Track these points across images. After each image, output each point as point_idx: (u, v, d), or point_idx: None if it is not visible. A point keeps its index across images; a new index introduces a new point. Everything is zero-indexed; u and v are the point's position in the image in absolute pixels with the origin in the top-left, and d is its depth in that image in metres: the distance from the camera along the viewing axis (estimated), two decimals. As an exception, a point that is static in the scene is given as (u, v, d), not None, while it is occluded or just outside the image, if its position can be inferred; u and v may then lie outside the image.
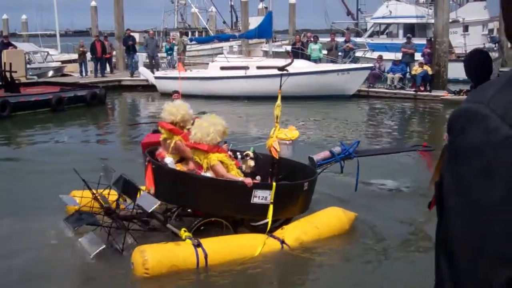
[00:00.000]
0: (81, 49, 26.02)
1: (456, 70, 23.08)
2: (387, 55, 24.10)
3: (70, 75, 26.94)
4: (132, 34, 26.96)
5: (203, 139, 7.13)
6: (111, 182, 7.61)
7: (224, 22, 46.21)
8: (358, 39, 28.01)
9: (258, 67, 21.83)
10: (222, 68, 22.42)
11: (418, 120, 19.27)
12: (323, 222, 7.71)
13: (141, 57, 26.24)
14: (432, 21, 24.86)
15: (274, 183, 7.32)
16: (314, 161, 8.32)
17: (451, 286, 1.08)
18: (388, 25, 30.82)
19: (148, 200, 6.87)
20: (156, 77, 23.17)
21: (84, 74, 25.79)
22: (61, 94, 19.55)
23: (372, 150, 10.61)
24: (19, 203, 8.96)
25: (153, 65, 25.37)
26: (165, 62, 26.81)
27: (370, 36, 30.38)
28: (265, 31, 23.52)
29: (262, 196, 7.12)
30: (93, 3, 34.35)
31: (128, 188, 7.26)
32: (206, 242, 6.80)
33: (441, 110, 19.95)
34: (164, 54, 27.79)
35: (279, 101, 8.35)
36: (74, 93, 20.09)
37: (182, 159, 7.79)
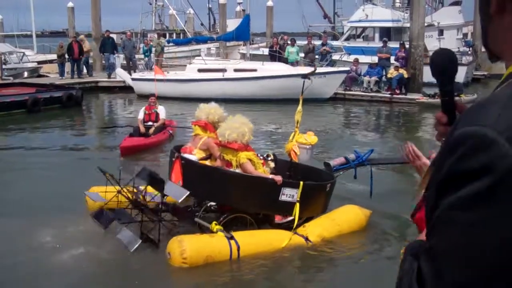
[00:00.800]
0: (61, 49, 25.79)
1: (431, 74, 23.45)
2: (363, 59, 24.38)
3: (46, 76, 26.72)
4: (110, 35, 26.81)
5: (239, 139, 7.38)
6: (134, 175, 7.78)
7: (202, 24, 46.18)
8: (334, 43, 28.24)
9: (236, 70, 21.91)
10: (200, 70, 22.43)
11: (394, 123, 19.51)
12: (343, 219, 8.05)
13: (119, 58, 26.13)
14: (408, 25, 25.21)
15: (301, 182, 7.52)
16: (330, 166, 8.58)
17: None
18: (365, 28, 31.15)
19: (177, 191, 7.12)
20: (133, 79, 23.08)
21: (64, 75, 25.57)
22: (37, 95, 19.37)
23: (383, 159, 11.02)
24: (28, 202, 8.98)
25: (130, 67, 25.28)
26: (142, 64, 26.74)
27: (347, 39, 30.67)
28: (242, 34, 23.61)
29: (290, 194, 7.39)
30: (70, 4, 34.06)
31: (153, 180, 7.37)
32: (237, 235, 7.05)
33: (416, 113, 20.23)
34: (142, 56, 27.71)
35: (300, 107, 8.66)
36: (50, 94, 19.93)
37: (206, 158, 8.11)
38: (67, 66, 25.77)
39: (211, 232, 6.98)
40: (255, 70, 21.75)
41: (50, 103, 19.49)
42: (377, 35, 29.52)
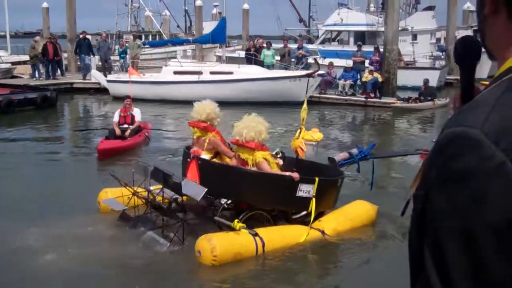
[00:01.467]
0: (33, 50, 25.50)
1: (405, 78, 23.79)
2: (338, 62, 24.58)
3: (20, 77, 26.44)
4: (87, 36, 26.64)
5: (256, 137, 7.54)
6: (148, 176, 7.97)
7: (178, 26, 46.23)
8: (310, 46, 28.43)
9: (212, 72, 21.93)
10: (176, 72, 22.40)
11: (369, 126, 19.73)
12: (355, 214, 8.41)
13: (94, 60, 25.97)
14: (382, 29, 25.50)
15: (317, 178, 7.74)
16: (335, 161, 8.94)
17: None
18: (339, 32, 31.40)
19: (195, 189, 7.29)
20: (108, 81, 22.98)
21: (37, 76, 25.30)
22: (11, 96, 19.21)
23: (384, 152, 11.55)
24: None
25: (105, 68, 25.16)
26: (118, 66, 26.62)
27: (322, 43, 30.89)
28: (219, 36, 23.66)
29: (306, 190, 7.62)
30: (45, 4, 33.77)
31: (169, 181, 7.57)
32: (260, 232, 7.26)
33: (390, 117, 20.49)
34: (117, 57, 27.58)
35: (305, 105, 8.86)
36: (24, 95, 19.74)
37: (214, 157, 8.28)
38: (42, 67, 25.52)
39: (233, 230, 7.15)
40: (231, 73, 21.81)
41: (24, 105, 19.32)
42: (351, 39, 29.78)
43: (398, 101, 21.43)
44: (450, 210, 1.03)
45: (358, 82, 23.28)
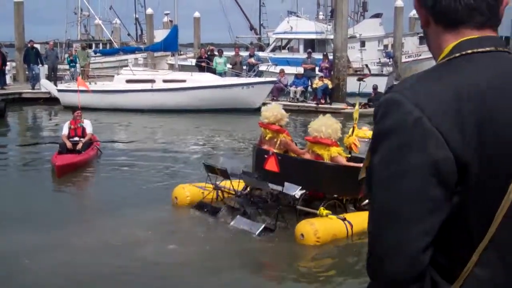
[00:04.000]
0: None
1: (354, 84, 24.36)
2: (289, 69, 24.97)
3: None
4: (35, 45, 26.19)
5: (333, 135, 8.42)
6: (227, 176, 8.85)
7: (129, 35, 45.96)
8: (261, 54, 28.75)
9: (165, 80, 21.94)
10: (128, 81, 22.26)
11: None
12: None
13: (43, 69, 25.56)
14: (331, 36, 26.03)
15: None
16: None
17: (380, 251, 1.33)
18: (290, 40, 31.87)
19: (292, 188, 8.14)
20: (59, 90, 22.64)
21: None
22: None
23: None
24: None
25: (54, 78, 24.80)
26: (68, 75, 26.29)
27: (273, 50, 31.25)
28: (171, 44, 23.71)
29: None
30: (-10, 13, 33.05)
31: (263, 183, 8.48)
32: (346, 216, 8.08)
33: (342, 121, 20.86)
34: (67, 66, 27.24)
35: (357, 106, 10.29)
36: (-29, 106, 19.32)
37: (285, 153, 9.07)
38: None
39: (319, 216, 7.94)
40: (184, 81, 21.87)
41: (-28, 115, 18.87)
42: (301, 47, 30.28)
43: (348, 107, 21.93)
44: (381, 160, 1.33)
45: (309, 88, 23.71)
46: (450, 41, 1.42)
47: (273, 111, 9.26)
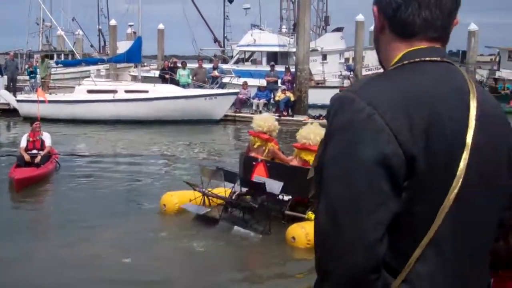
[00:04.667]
0: None
1: (316, 96, 24.68)
2: (252, 81, 25.19)
3: None
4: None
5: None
6: (222, 179, 8.99)
7: (92, 46, 45.54)
8: (224, 66, 28.89)
9: (127, 91, 21.82)
10: (90, 91, 22.04)
11: (284, 142, 20.25)
12: None
13: (2, 80, 25.14)
14: (294, 49, 26.33)
15: None
16: None
17: (340, 246, 1.34)
18: (253, 52, 32.15)
19: (275, 185, 8.39)
20: (18, 100, 22.29)
21: None
22: None
23: None
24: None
25: (13, 88, 24.41)
26: (28, 85, 25.94)
27: (236, 63, 31.44)
28: (134, 56, 23.67)
29: None
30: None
31: (251, 184, 8.86)
32: None
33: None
34: (27, 77, 26.89)
35: None
36: None
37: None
38: None
39: (308, 220, 8.08)
40: (146, 92, 21.80)
41: None
42: (264, 59, 30.58)
43: (310, 119, 22.18)
44: (335, 155, 1.38)
45: (272, 101, 23.94)
46: (401, 49, 1.51)
47: (268, 121, 9.61)
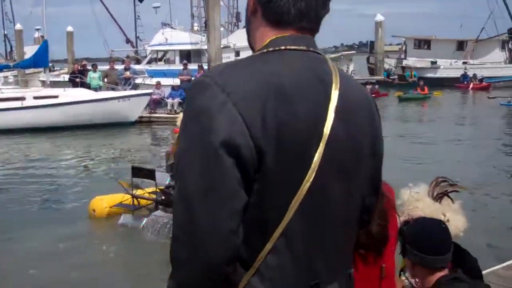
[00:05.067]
0: None
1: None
2: (165, 81, 25.02)
3: None
4: None
5: None
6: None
7: (-3, 52, 43.85)
8: (137, 66, 28.59)
9: (36, 97, 21.11)
10: None
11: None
12: None
13: None
14: (206, 47, 26.42)
15: None
16: None
17: (195, 235, 1.31)
18: (166, 52, 31.95)
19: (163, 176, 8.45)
20: None
21: None
22: None
23: None
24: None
25: None
26: None
27: (149, 63, 31.18)
28: (40, 60, 22.94)
29: None
30: None
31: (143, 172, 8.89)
32: None
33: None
34: None
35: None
36: None
37: None
38: None
39: None
40: (56, 97, 21.16)
41: None
42: (177, 58, 30.51)
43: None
44: (190, 141, 1.34)
45: (186, 99, 23.88)
46: (270, 35, 1.48)
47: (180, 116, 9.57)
